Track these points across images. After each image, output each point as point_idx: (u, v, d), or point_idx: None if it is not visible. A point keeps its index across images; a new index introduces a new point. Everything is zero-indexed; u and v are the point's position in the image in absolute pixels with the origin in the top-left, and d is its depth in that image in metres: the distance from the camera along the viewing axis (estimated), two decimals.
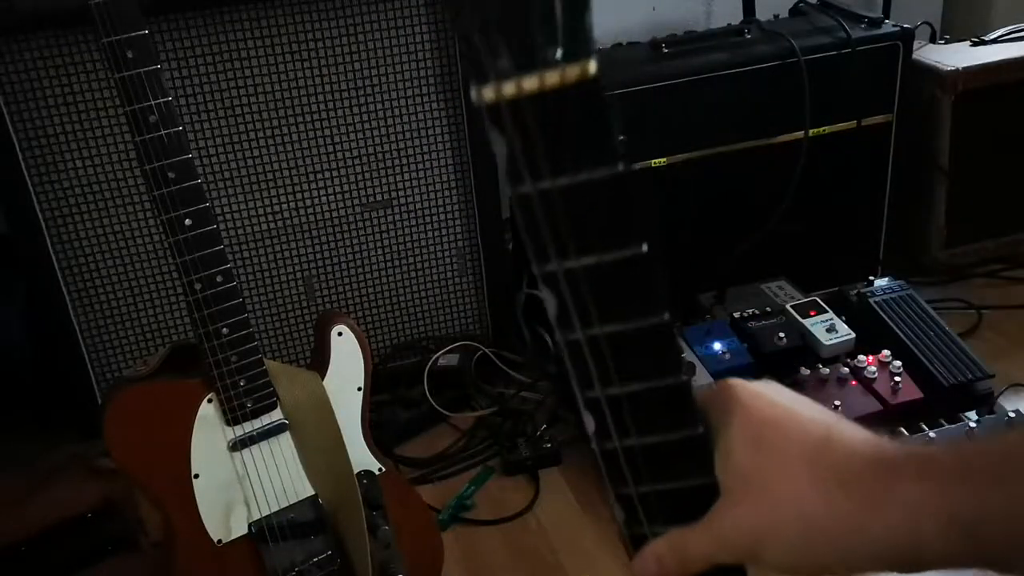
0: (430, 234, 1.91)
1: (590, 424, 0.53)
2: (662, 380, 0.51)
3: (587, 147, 0.44)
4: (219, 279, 1.14)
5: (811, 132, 1.91)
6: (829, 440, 0.52)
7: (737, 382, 0.56)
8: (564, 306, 0.48)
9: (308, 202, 1.82)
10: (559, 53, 0.42)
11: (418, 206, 1.89)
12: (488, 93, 0.43)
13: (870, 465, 0.50)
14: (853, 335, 1.76)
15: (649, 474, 0.54)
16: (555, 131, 0.44)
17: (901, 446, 0.51)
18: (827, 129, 1.95)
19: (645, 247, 0.46)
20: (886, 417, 1.64)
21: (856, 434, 0.52)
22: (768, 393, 0.55)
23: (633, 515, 0.56)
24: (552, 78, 0.42)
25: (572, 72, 0.42)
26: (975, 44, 2.13)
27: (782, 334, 1.76)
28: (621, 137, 0.44)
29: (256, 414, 1.21)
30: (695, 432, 0.53)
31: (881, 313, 1.82)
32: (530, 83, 0.43)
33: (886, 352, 1.73)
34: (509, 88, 0.43)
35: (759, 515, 0.52)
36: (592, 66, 0.43)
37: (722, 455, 0.53)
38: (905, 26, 1.96)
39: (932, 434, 1.58)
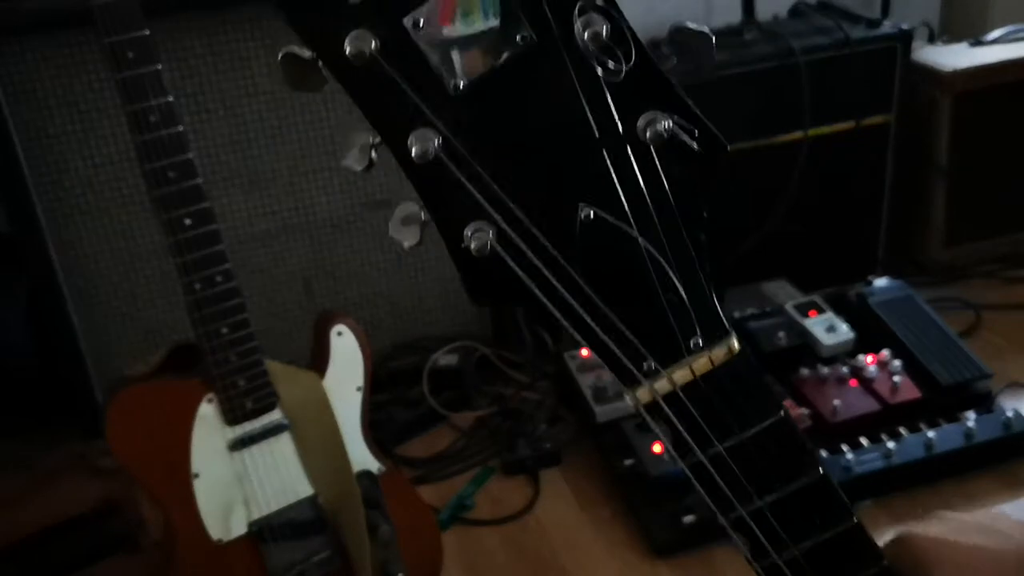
0: (429, 233, 1.91)
1: None
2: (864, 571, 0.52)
3: (747, 410, 0.47)
4: (219, 279, 1.14)
5: (810, 132, 1.91)
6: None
7: (910, 537, 0.56)
8: (757, 543, 0.50)
9: (308, 202, 1.82)
10: (700, 340, 0.45)
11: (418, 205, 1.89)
12: (643, 395, 0.46)
13: None
14: (853, 335, 1.76)
15: None
16: (716, 407, 0.46)
17: None
18: (826, 129, 1.95)
19: (820, 470, 0.49)
20: (885, 417, 1.64)
21: None
22: (948, 536, 0.56)
23: None
24: (702, 364, 0.45)
25: (719, 354, 0.45)
26: (973, 45, 2.14)
27: (782, 334, 1.77)
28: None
29: (256, 414, 1.21)
30: None
31: (880, 313, 1.82)
32: (682, 375, 0.45)
33: (885, 352, 1.73)
34: (663, 385, 0.45)
35: None
36: (735, 343, 0.46)
37: None
38: (904, 27, 1.97)
39: (931, 434, 1.59)
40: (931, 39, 2.29)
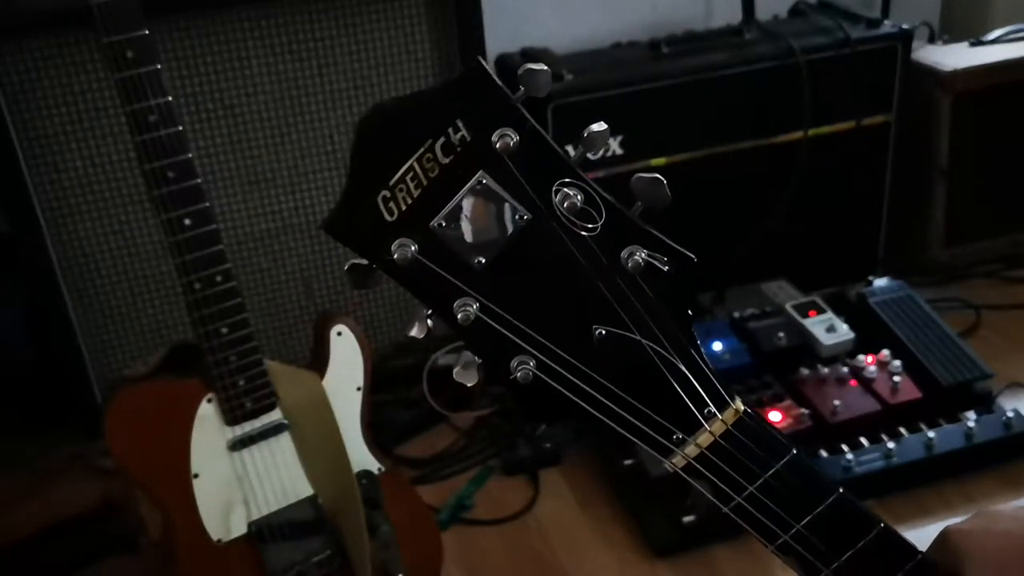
0: None
1: None
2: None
3: (764, 453, 0.58)
4: (218, 279, 1.14)
5: (810, 132, 1.91)
6: None
7: (947, 532, 0.61)
8: (806, 561, 0.60)
9: (308, 202, 1.82)
10: (711, 408, 0.56)
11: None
12: (678, 461, 0.57)
13: None
14: (852, 335, 1.76)
15: None
16: (738, 458, 0.57)
17: None
18: (826, 129, 1.95)
19: (840, 489, 0.59)
20: (885, 417, 1.64)
21: None
22: (981, 527, 0.60)
23: None
24: (717, 427, 0.57)
25: (729, 416, 0.57)
26: (973, 45, 2.14)
27: (782, 334, 1.77)
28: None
29: (255, 414, 1.21)
30: None
31: (880, 313, 1.82)
32: (704, 438, 0.57)
33: (885, 352, 1.73)
34: (691, 450, 0.57)
35: None
36: (739, 404, 0.57)
37: None
38: (904, 26, 1.97)
39: (931, 434, 1.59)
40: (931, 39, 2.29)
